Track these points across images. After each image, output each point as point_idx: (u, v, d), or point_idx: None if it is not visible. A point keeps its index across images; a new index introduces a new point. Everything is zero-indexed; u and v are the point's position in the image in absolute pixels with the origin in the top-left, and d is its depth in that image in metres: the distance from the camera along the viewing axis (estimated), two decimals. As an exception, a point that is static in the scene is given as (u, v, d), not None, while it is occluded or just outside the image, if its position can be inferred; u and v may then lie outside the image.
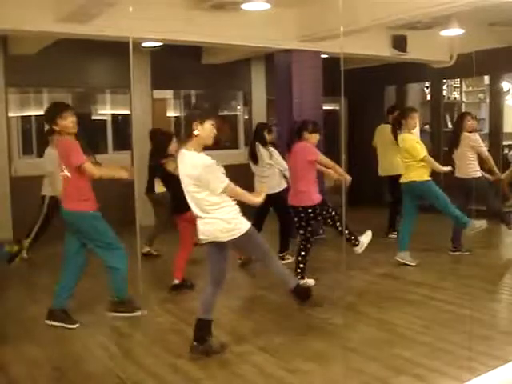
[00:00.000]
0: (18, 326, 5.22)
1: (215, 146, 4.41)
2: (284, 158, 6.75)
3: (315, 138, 6.11)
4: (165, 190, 7.39)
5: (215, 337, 4.48)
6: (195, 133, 4.16)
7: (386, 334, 4.74)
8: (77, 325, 5.10)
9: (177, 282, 6.15)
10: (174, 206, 6.13)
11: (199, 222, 4.27)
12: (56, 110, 5.02)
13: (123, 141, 10.38)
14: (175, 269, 6.20)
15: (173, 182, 5.90)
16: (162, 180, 6.63)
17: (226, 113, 12.27)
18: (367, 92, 11.70)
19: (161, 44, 8.79)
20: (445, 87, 11.98)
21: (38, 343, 4.76)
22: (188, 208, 5.94)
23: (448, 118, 11.99)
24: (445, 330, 4.77)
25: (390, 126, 8.27)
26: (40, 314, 5.49)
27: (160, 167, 6.26)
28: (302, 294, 4.56)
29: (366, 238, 6.07)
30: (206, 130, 4.19)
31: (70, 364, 4.32)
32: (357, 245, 6.03)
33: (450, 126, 12.03)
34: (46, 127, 6.26)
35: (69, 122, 4.94)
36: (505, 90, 10.96)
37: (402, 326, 4.89)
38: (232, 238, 4.20)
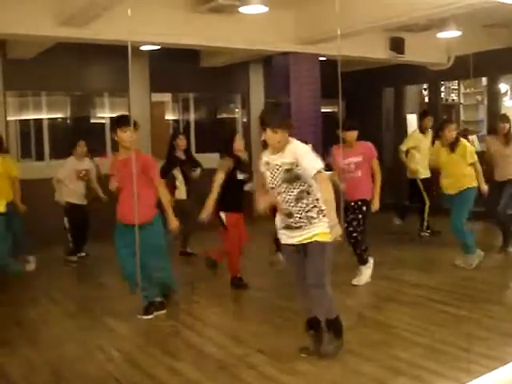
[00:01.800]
0: (17, 328, 5.22)
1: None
2: None
3: (348, 135, 6.11)
4: (185, 197, 7.63)
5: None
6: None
7: (384, 335, 4.74)
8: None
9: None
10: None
11: None
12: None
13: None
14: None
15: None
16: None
17: (224, 116, 12.29)
18: (365, 94, 11.72)
19: (159, 47, 8.81)
20: (443, 89, 12.00)
21: (37, 346, 4.75)
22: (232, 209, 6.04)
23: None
24: (443, 331, 4.77)
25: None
26: (39, 316, 5.51)
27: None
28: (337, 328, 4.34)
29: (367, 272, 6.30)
30: None
31: (69, 367, 4.31)
32: (364, 263, 6.28)
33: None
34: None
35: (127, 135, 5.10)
36: (502, 91, 10.98)
37: (400, 328, 4.89)
38: None
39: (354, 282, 6.24)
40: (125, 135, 5.09)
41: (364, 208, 6.13)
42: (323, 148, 8.84)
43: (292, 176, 4.03)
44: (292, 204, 4.08)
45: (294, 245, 4.18)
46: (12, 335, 5.02)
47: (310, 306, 4.33)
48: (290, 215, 4.10)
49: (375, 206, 6.14)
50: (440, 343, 4.48)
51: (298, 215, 4.08)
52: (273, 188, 4.16)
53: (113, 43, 6.86)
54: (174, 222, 5.25)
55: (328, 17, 7.12)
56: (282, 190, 4.10)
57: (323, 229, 4.06)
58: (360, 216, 6.14)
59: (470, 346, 4.41)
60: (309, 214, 4.07)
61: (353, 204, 6.14)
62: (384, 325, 4.99)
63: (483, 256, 6.88)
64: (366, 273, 6.29)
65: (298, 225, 4.10)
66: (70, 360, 4.44)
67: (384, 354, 4.32)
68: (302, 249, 4.16)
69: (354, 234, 6.13)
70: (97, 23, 6.56)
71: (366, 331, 4.86)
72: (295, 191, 4.06)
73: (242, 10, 6.95)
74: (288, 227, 4.15)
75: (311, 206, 4.08)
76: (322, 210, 4.09)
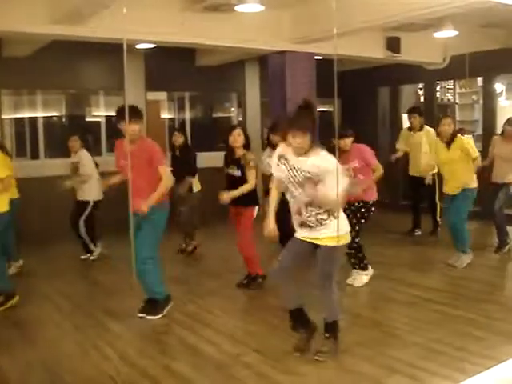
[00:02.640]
0: (13, 327, 5.20)
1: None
2: None
3: (341, 144, 6.01)
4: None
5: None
6: None
7: (380, 334, 4.75)
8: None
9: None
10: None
11: None
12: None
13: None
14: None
15: None
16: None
17: (219, 114, 12.28)
18: (361, 93, 11.73)
19: (155, 46, 8.79)
20: (438, 89, 12.02)
21: (32, 345, 4.74)
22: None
23: (441, 119, 12.01)
24: (439, 330, 4.79)
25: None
26: (35, 315, 5.49)
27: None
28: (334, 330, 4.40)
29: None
30: None
31: (64, 366, 4.30)
32: (363, 269, 6.31)
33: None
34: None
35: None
36: (498, 91, 11.00)
37: (396, 327, 4.90)
38: None
39: (349, 281, 6.25)
40: (127, 127, 5.07)
41: (363, 210, 6.12)
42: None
43: (310, 183, 4.03)
44: (303, 206, 4.11)
45: (301, 239, 4.24)
46: (8, 334, 5.01)
47: (290, 296, 4.36)
48: (299, 212, 4.16)
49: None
50: (436, 342, 4.50)
51: (309, 217, 4.12)
52: (288, 184, 4.16)
53: (108, 41, 6.83)
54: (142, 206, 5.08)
55: (324, 16, 7.11)
56: (297, 191, 4.11)
57: (332, 232, 4.08)
58: (358, 215, 6.13)
59: (465, 345, 4.43)
60: (319, 216, 4.11)
61: (351, 204, 6.13)
62: (380, 324, 5.00)
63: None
64: (362, 278, 6.29)
65: (308, 224, 4.15)
66: (66, 359, 4.43)
67: (380, 353, 4.33)
68: (309, 246, 4.22)
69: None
70: (92, 21, 6.54)
71: (362, 330, 4.87)
72: (308, 197, 4.07)
73: (238, 8, 6.94)
74: (300, 225, 4.20)
75: (323, 210, 4.10)
76: (333, 213, 4.10)
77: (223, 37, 7.78)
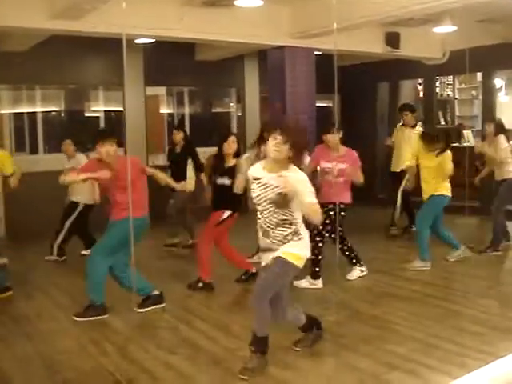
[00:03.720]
0: (11, 322, 5.20)
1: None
2: None
3: (330, 138, 6.10)
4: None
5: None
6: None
7: (379, 330, 4.75)
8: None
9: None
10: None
11: None
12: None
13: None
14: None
15: None
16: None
17: (219, 110, 12.27)
18: (360, 89, 11.71)
19: (154, 41, 8.78)
20: (438, 84, 12.01)
21: (30, 340, 4.74)
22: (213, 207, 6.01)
23: (441, 114, 12.03)
24: (437, 326, 4.79)
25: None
26: (33, 310, 5.49)
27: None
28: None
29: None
30: None
31: (63, 360, 4.30)
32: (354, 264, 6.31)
33: (442, 122, 12.08)
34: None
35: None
36: (497, 86, 10.99)
37: (395, 322, 4.90)
38: None
39: (348, 276, 6.27)
40: (102, 150, 5.13)
41: (337, 210, 5.88)
42: (317, 143, 8.84)
43: (282, 201, 3.82)
44: (272, 226, 3.91)
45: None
46: (6, 329, 5.00)
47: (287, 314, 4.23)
48: (266, 234, 3.96)
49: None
50: (434, 338, 4.50)
51: (276, 238, 3.93)
52: (257, 204, 3.97)
53: (107, 36, 6.82)
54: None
55: (324, 11, 7.08)
56: (267, 210, 3.92)
57: (293, 250, 3.92)
58: (333, 217, 5.92)
59: (463, 340, 4.44)
60: (285, 238, 3.92)
61: (327, 207, 5.87)
62: (379, 319, 5.00)
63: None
64: (355, 270, 6.34)
65: (274, 247, 3.94)
66: (64, 354, 4.43)
67: (378, 348, 4.33)
68: None
69: (328, 234, 6.04)
70: (91, 16, 6.53)
71: (360, 326, 4.87)
72: (278, 217, 3.89)
73: (238, 3, 6.94)
74: (265, 250, 4.02)
75: (290, 232, 3.92)
76: (299, 235, 3.95)
77: (222, 32, 7.77)
